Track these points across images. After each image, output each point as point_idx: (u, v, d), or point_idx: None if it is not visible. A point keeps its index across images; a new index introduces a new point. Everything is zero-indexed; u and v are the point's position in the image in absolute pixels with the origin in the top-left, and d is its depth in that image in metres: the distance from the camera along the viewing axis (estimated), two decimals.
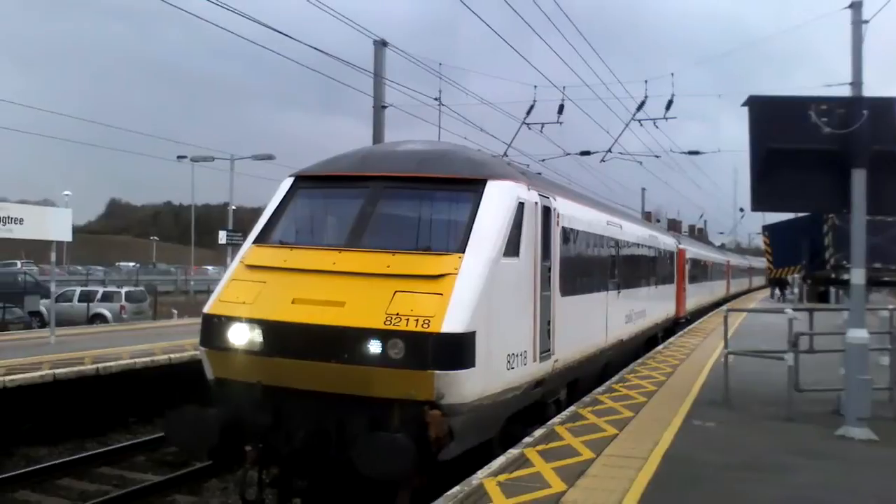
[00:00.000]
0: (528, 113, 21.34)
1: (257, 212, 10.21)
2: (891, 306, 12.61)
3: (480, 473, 7.26)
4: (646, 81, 22.04)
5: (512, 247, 8.57)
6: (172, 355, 15.91)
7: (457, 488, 6.79)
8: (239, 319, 7.94)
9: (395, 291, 7.58)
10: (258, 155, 37.57)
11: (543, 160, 24.93)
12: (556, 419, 9.87)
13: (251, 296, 8.07)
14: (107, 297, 32.31)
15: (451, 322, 7.32)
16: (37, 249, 57.82)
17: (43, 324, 27.23)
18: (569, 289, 10.86)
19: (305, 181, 9.44)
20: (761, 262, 48.19)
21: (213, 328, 8.16)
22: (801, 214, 23.24)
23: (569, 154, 26.29)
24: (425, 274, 7.72)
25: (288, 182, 9.49)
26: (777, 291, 46.01)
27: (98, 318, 30.51)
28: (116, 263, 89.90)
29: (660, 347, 19.05)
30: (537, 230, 9.43)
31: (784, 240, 26.62)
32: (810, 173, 9.73)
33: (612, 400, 11.22)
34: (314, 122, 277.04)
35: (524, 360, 8.82)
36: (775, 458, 8.26)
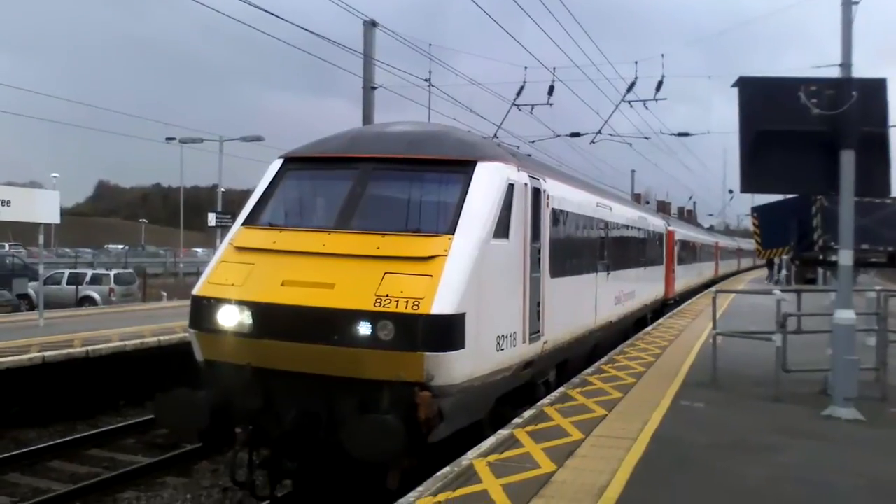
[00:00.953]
0: (518, 94, 21.23)
1: (246, 193, 10.16)
2: (878, 287, 12.71)
3: (470, 454, 7.30)
4: (636, 63, 21.97)
5: (502, 228, 8.56)
6: (162, 338, 15.87)
7: (447, 469, 6.84)
8: (228, 301, 7.92)
9: (385, 273, 7.57)
10: (247, 136, 37.40)
11: (533, 141, 24.89)
12: (546, 400, 9.92)
13: (240, 278, 8.04)
14: (95, 280, 32.11)
15: (441, 304, 7.33)
16: (25, 232, 57.56)
17: (31, 306, 27.05)
18: (558, 270, 10.88)
19: (294, 163, 9.38)
20: (750, 244, 48.27)
21: (202, 310, 8.14)
22: (790, 196, 23.24)
23: (559, 135, 26.21)
24: (415, 255, 7.71)
25: (277, 164, 9.44)
26: (776, 273, 45.51)
27: (87, 301, 30.28)
28: (105, 246, 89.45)
29: (649, 329, 19.16)
30: (527, 212, 9.42)
31: (773, 221, 26.60)
32: (800, 155, 9.75)
33: (602, 381, 11.28)
34: (304, 104, 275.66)
35: (514, 342, 8.85)
36: (763, 438, 8.34)
